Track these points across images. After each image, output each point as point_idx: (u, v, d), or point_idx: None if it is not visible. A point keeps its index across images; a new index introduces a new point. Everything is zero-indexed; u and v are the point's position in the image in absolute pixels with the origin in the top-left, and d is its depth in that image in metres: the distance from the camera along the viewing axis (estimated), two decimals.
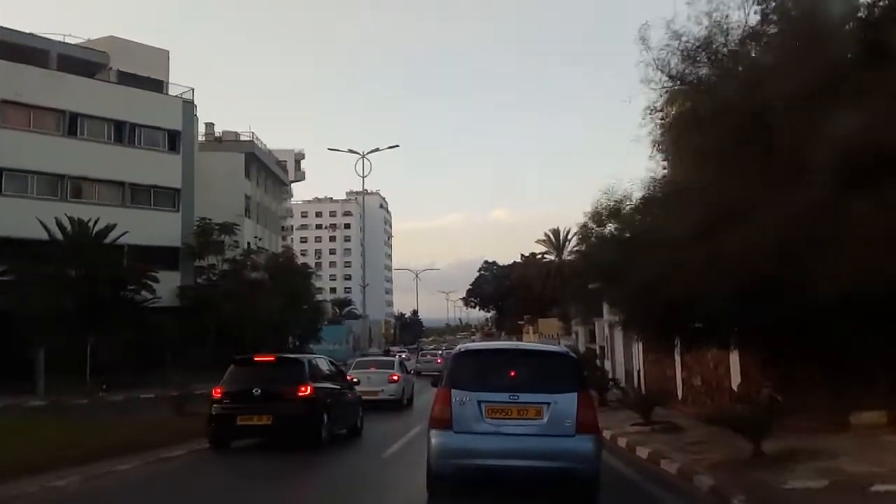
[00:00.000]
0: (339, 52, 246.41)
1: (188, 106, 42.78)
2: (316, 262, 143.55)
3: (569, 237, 70.36)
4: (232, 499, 9.15)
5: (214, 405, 12.86)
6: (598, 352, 31.68)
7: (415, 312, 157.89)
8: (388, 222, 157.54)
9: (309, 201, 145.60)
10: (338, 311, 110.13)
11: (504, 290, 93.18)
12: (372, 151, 42.24)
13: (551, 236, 70.67)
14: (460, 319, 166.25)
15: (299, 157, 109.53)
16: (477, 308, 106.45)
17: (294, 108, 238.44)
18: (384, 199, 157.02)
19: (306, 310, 55.26)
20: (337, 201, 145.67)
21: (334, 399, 13.86)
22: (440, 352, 49.14)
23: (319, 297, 58.88)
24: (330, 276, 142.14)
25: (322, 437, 12.78)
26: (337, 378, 15.11)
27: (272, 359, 14.17)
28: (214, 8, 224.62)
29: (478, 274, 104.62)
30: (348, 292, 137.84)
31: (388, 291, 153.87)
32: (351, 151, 42.14)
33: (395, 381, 22.27)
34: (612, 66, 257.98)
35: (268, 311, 48.08)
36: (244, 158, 55.82)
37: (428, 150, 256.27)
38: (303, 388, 12.65)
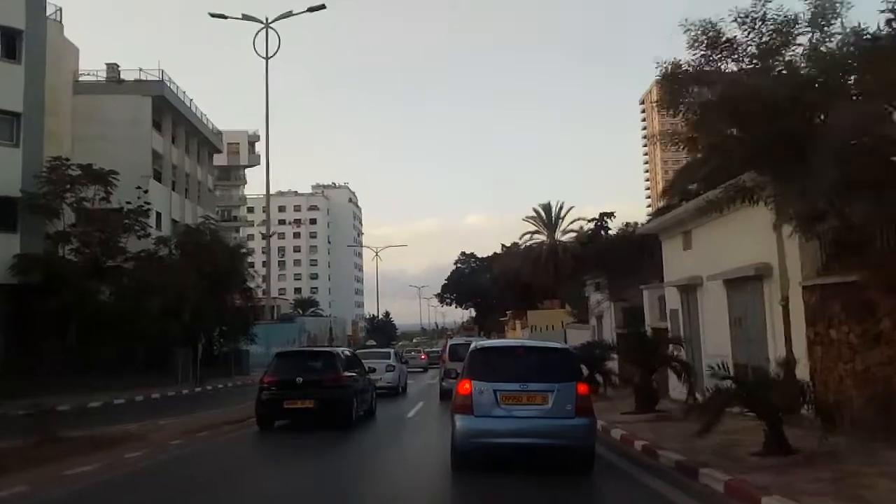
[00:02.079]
0: (316, 55, 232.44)
1: None
2: (279, 261, 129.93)
3: (562, 214, 57.46)
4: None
5: (263, 392, 14.24)
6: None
7: (387, 315, 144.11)
8: (357, 218, 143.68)
9: (271, 195, 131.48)
10: (300, 311, 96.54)
11: (485, 283, 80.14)
12: (281, 17, 28.33)
13: (541, 212, 57.59)
14: (436, 324, 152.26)
15: (253, 140, 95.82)
16: (453, 305, 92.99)
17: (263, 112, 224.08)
18: (353, 193, 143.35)
19: (235, 301, 41.65)
20: (302, 195, 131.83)
21: (359, 386, 15.40)
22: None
23: (254, 285, 44.70)
24: (294, 275, 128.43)
25: (353, 418, 14.36)
26: (357, 367, 16.20)
27: (310, 352, 18.24)
28: None
29: (454, 267, 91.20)
30: (314, 293, 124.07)
31: (359, 292, 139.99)
32: (246, 17, 28.38)
33: (392, 371, 23.74)
34: (594, 73, 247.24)
35: (173, 298, 34.76)
36: (151, 104, 42.25)
37: (402, 154, 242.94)
38: (339, 377, 14.24)
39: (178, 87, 45.39)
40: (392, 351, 28.00)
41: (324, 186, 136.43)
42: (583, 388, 8.67)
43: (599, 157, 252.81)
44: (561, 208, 56.72)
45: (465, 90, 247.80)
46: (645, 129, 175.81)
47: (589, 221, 55.95)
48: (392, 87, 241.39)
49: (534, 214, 57.56)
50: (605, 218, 56.27)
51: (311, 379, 13.96)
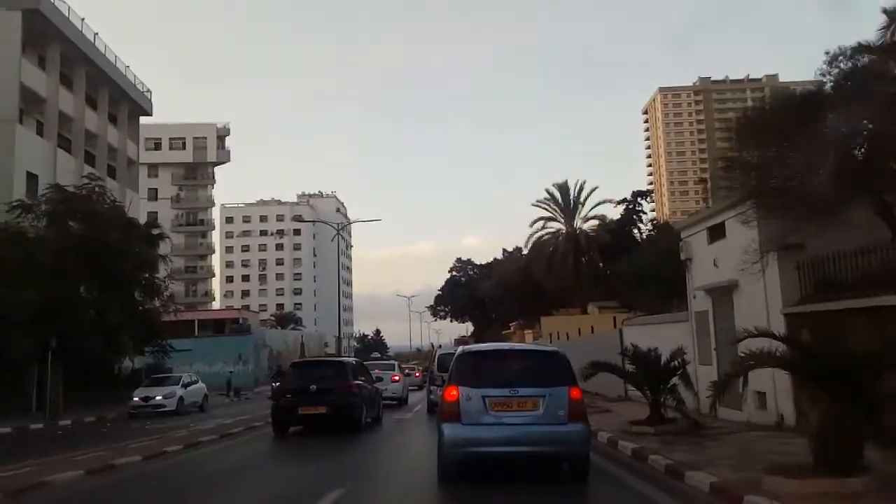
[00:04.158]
0: (310, 75, 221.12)
1: None
2: (260, 275, 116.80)
3: (583, 197, 44.41)
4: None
5: (279, 399, 14.84)
6: None
7: (378, 333, 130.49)
8: (346, 229, 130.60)
9: (252, 204, 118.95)
10: (278, 326, 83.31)
11: (484, 293, 67.07)
12: None
13: (557, 195, 44.52)
14: (432, 343, 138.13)
15: (223, 133, 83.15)
16: (448, 318, 79.58)
17: (255, 134, 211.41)
18: (342, 203, 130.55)
19: (136, 299, 28.31)
20: (285, 204, 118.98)
21: (367, 393, 15.77)
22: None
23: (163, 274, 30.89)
24: (277, 289, 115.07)
25: (363, 423, 14.73)
26: (364, 376, 16.49)
27: (322, 362, 18.98)
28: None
29: (448, 275, 78.10)
30: (298, 308, 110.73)
31: (347, 309, 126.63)
32: None
33: (396, 382, 23.50)
34: (594, 86, 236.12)
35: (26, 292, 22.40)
36: (21, 22, 29.46)
37: (398, 177, 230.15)
38: (349, 385, 14.58)
39: (70, 10, 32.61)
40: (396, 363, 28.39)
41: (309, 195, 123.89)
42: (575, 393, 7.82)
43: (601, 171, 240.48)
44: (581, 189, 43.76)
45: (462, 110, 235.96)
46: (648, 139, 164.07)
47: (617, 204, 43.16)
48: (385, 106, 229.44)
49: (547, 197, 44.45)
50: (638, 199, 43.54)
51: (323, 387, 14.22)
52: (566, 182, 43.56)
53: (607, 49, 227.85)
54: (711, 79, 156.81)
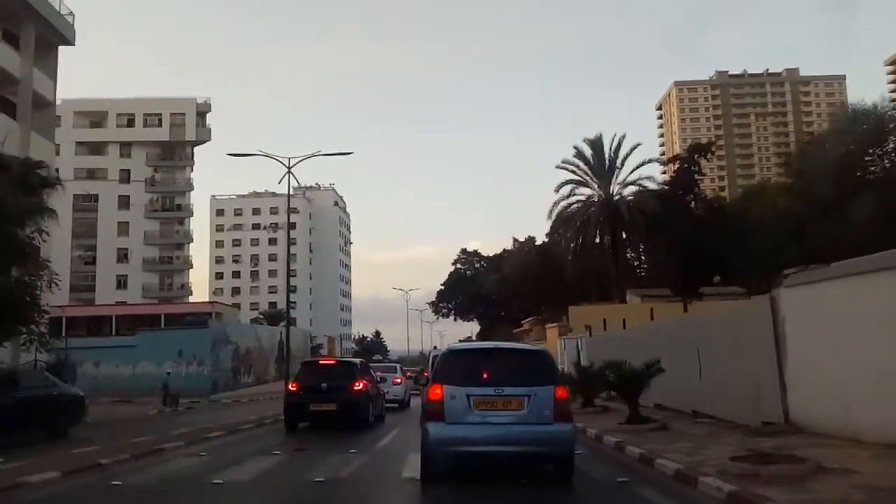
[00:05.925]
0: (308, 76, 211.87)
1: None
2: (252, 271, 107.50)
3: (621, 157, 34.41)
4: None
5: (291, 396, 15.29)
6: None
7: (377, 334, 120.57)
8: (345, 224, 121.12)
9: (245, 195, 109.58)
10: (264, 320, 73.89)
11: (491, 287, 57.26)
12: None
13: (588, 153, 34.53)
14: (436, 346, 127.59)
15: (203, 110, 73.54)
16: (452, 317, 69.67)
17: (260, 133, 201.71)
18: (341, 196, 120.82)
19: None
20: (280, 196, 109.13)
21: (373, 392, 16.31)
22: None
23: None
24: (269, 287, 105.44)
25: (369, 421, 15.28)
26: (368, 376, 16.78)
27: (333, 361, 19.38)
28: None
29: (452, 268, 68.19)
30: (293, 307, 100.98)
31: (345, 308, 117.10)
32: None
33: (398, 384, 23.48)
34: (589, 94, 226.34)
35: None
36: None
37: (402, 179, 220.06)
38: (357, 384, 15.14)
39: None
40: (398, 366, 27.57)
41: (306, 188, 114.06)
42: (561, 393, 7.73)
43: None
44: (619, 146, 33.74)
45: (465, 110, 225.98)
46: (662, 135, 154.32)
47: (668, 163, 33.36)
48: (385, 102, 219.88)
49: (576, 155, 34.42)
50: (696, 156, 33.70)
51: (333, 385, 14.75)
52: (600, 137, 33.70)
53: (615, 46, 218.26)
54: (729, 73, 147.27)
